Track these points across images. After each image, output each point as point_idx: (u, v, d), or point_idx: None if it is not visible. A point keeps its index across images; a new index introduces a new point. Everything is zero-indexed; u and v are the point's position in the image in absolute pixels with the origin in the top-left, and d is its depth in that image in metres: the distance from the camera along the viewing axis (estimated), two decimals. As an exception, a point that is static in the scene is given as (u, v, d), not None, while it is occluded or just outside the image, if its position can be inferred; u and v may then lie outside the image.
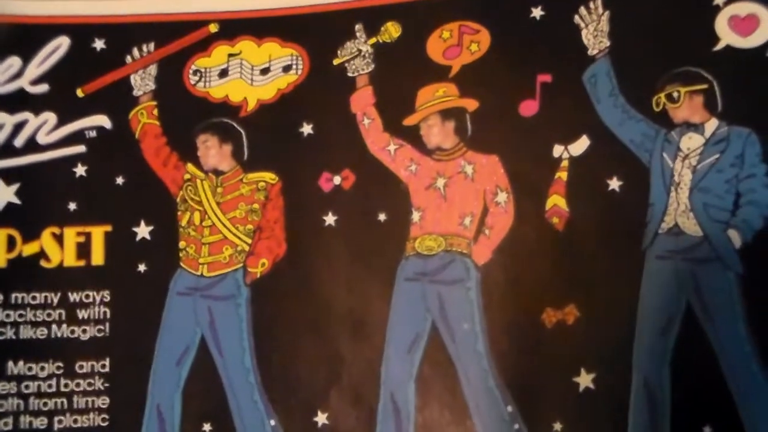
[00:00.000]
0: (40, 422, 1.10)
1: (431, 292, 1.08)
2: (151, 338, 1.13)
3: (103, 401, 1.10)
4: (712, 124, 1.05)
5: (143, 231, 1.15)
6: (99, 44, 1.19)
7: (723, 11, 1.10)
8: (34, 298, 1.13)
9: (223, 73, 1.19)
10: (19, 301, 1.13)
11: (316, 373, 1.10)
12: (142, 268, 1.15)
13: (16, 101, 1.18)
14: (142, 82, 1.17)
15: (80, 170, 1.17)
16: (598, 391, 1.04)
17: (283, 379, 1.11)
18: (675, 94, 1.06)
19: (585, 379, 1.03)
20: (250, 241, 1.12)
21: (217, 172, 1.16)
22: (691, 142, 1.05)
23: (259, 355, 1.13)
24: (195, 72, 1.20)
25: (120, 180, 1.17)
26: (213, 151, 1.17)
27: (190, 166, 1.17)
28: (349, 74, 1.18)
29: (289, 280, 1.14)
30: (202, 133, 1.18)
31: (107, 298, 1.14)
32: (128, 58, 1.20)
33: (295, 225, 1.15)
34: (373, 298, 1.10)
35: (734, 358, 1.01)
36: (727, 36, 1.08)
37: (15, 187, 1.16)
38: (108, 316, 1.14)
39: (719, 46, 1.09)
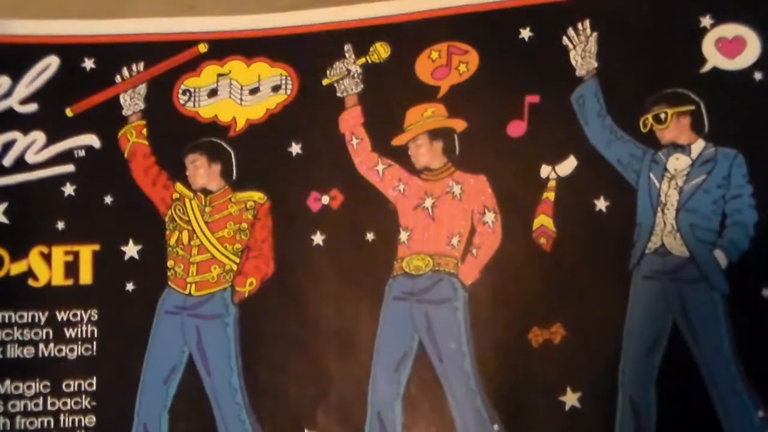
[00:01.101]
0: (27, 441, 1.07)
1: (419, 312, 1.08)
2: (139, 357, 1.13)
3: (89, 420, 1.10)
4: (698, 145, 1.06)
5: (131, 250, 1.15)
6: (88, 64, 1.19)
7: (710, 33, 1.11)
8: (21, 317, 1.13)
9: (213, 93, 1.20)
10: (7, 320, 1.13)
11: (304, 391, 1.10)
12: (130, 287, 1.14)
13: (5, 120, 1.18)
14: (132, 101, 1.17)
15: (69, 189, 1.17)
16: (585, 410, 1.04)
17: (270, 397, 1.10)
18: (662, 115, 1.06)
19: (571, 398, 1.04)
20: (238, 260, 1.12)
21: (206, 192, 1.16)
22: (678, 162, 1.05)
23: (247, 374, 1.12)
24: (184, 92, 1.20)
25: (108, 199, 1.17)
26: (202, 170, 1.17)
27: (178, 186, 1.17)
28: (338, 94, 1.18)
29: (278, 299, 1.13)
30: (191, 152, 1.18)
31: (95, 317, 1.14)
32: (118, 78, 1.20)
33: (284, 244, 1.15)
34: (361, 317, 1.10)
35: (720, 378, 1.01)
36: (714, 58, 1.09)
37: (3, 206, 1.16)
38: (95, 334, 1.13)
39: (706, 68, 1.10)
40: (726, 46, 1.08)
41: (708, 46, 1.10)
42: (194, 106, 1.20)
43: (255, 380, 1.11)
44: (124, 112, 1.19)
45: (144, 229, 1.17)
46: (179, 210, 1.14)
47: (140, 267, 1.16)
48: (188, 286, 1.13)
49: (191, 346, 1.12)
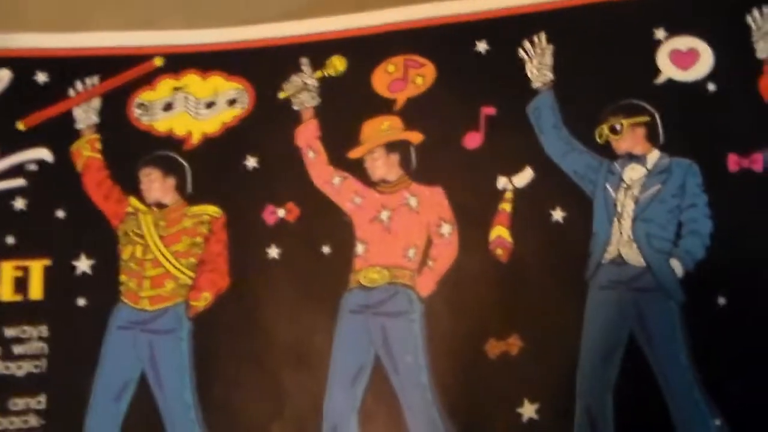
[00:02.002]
0: (-27, 461, 1.04)
1: (375, 325, 1.06)
2: (90, 374, 1.11)
3: (38, 439, 1.04)
4: (654, 156, 1.06)
5: (83, 265, 1.13)
6: (41, 77, 1.19)
7: (664, 45, 1.12)
8: (-32, 333, 1.06)
9: (168, 107, 1.19)
10: (-46, 336, 1.06)
11: (259, 406, 1.08)
12: (81, 302, 1.13)
13: (-44, 135, 1.12)
14: (85, 115, 1.16)
15: (20, 204, 1.16)
16: (542, 422, 1.03)
17: (224, 413, 1.09)
18: (618, 126, 1.06)
19: (528, 410, 1.03)
20: (192, 274, 1.11)
21: (160, 206, 1.15)
22: (634, 173, 1.05)
23: (201, 389, 1.10)
24: (139, 105, 1.20)
25: (60, 213, 1.16)
26: (156, 184, 1.16)
27: (132, 200, 1.16)
28: (295, 108, 1.18)
29: (232, 313, 1.12)
30: (145, 166, 1.17)
31: (45, 334, 1.12)
32: (71, 92, 1.19)
33: (239, 258, 1.14)
34: (317, 330, 1.09)
35: (677, 387, 1.01)
36: (668, 69, 1.09)
37: (-47, 220, 1.10)
38: (45, 351, 1.11)
39: (661, 79, 1.11)
40: (680, 58, 1.09)
41: (662, 58, 1.10)
42: (149, 119, 1.19)
43: (209, 396, 1.09)
44: (77, 126, 1.18)
45: (96, 244, 1.15)
46: (133, 224, 1.13)
47: (92, 282, 1.14)
48: (141, 300, 1.11)
49: (144, 362, 1.10)
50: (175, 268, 1.12)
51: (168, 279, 1.13)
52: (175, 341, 1.10)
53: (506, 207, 1.08)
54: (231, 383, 1.10)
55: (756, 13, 1.11)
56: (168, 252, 1.12)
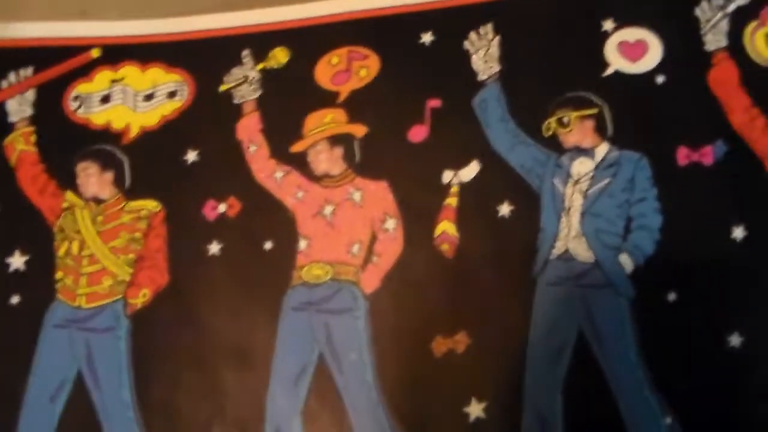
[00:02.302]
0: None
1: (318, 322, 1.04)
2: (24, 374, 1.07)
3: (-32, 442, 1.01)
4: (602, 149, 1.04)
5: (18, 261, 1.11)
6: (-27, 69, 1.11)
7: (612, 37, 1.11)
8: None
9: (106, 99, 1.16)
10: None
11: (199, 407, 1.05)
12: (15, 300, 1.10)
13: None
14: (19, 107, 1.13)
15: (-49, 200, 1.07)
16: (490, 421, 1.01)
17: (163, 414, 1.06)
18: (565, 119, 1.04)
19: (476, 409, 1.00)
20: (131, 271, 1.08)
21: (98, 200, 1.12)
22: (582, 166, 1.03)
23: (139, 389, 1.07)
24: (76, 98, 1.17)
25: (-7, 209, 1.07)
26: (93, 178, 1.13)
27: (69, 194, 1.12)
28: (236, 101, 1.15)
29: (172, 311, 1.09)
30: (82, 160, 1.14)
31: (-23, 333, 1.03)
32: (4, 83, 1.15)
33: (179, 254, 1.11)
34: (259, 328, 1.06)
35: (626, 385, 0.99)
36: (616, 61, 1.08)
37: None
38: (-23, 351, 1.03)
39: (609, 72, 1.10)
40: (628, 50, 1.08)
41: (610, 49, 1.09)
42: (86, 112, 1.16)
43: (147, 396, 1.06)
44: (10, 119, 1.15)
45: (31, 240, 1.12)
46: (69, 219, 1.09)
47: (27, 279, 1.11)
48: (78, 298, 1.08)
49: (80, 361, 1.07)
50: (113, 264, 1.09)
51: (106, 276, 1.10)
52: (112, 340, 1.07)
53: (452, 201, 1.06)
54: (170, 383, 1.07)
55: (704, 5, 1.11)
56: (106, 248, 1.09)
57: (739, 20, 1.10)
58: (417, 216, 1.08)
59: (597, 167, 1.04)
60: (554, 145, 1.08)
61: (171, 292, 1.11)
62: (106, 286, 1.10)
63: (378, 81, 1.14)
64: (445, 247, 1.04)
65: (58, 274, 1.11)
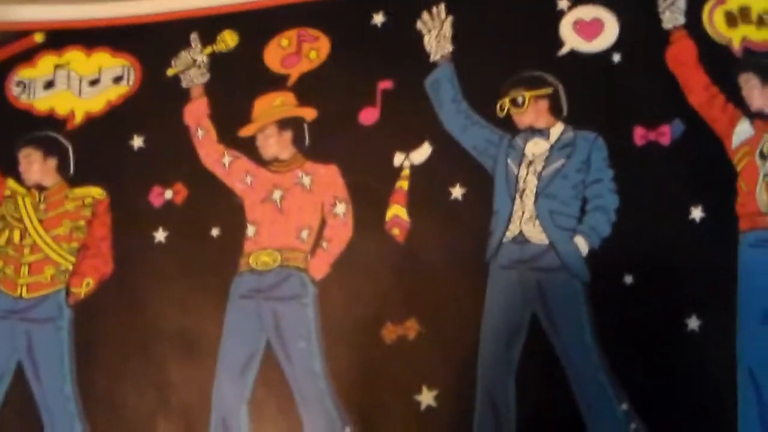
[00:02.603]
0: None
1: (266, 310, 1.01)
2: (-38, 367, 0.99)
3: None
4: (557, 129, 1.01)
5: (-44, 251, 1.02)
6: None
7: (567, 15, 1.08)
8: None
9: (49, 85, 1.13)
10: None
11: (143, 398, 1.02)
12: (-47, 290, 1.01)
13: None
14: (-41, 94, 1.07)
15: None
16: (441, 409, 0.98)
17: (107, 405, 1.03)
18: (519, 99, 1.02)
19: (427, 397, 0.97)
20: (74, 260, 1.05)
21: (40, 188, 1.09)
22: (536, 147, 1.01)
23: (82, 381, 1.05)
24: (18, 83, 1.14)
25: (-69, 197, 1.04)
26: (36, 165, 1.10)
27: (10, 182, 1.10)
28: (183, 85, 1.13)
29: (116, 300, 1.06)
30: (24, 147, 1.12)
31: None
32: (-58, 68, 1.08)
33: (123, 242, 1.08)
34: (206, 317, 1.03)
35: (581, 370, 0.96)
36: (571, 40, 1.06)
37: None
38: None
39: (564, 51, 1.07)
40: (584, 29, 1.05)
41: (565, 28, 1.07)
42: (29, 98, 1.14)
43: (90, 387, 1.03)
44: (-51, 105, 1.07)
45: (-29, 229, 1.03)
46: (10, 207, 1.06)
47: (-34, 269, 1.02)
48: (19, 288, 1.05)
49: (20, 353, 1.04)
50: (56, 253, 1.05)
51: (48, 265, 1.07)
52: (53, 330, 1.05)
53: (403, 185, 1.03)
54: (114, 374, 1.05)
55: (663, -18, 1.03)
56: (48, 236, 1.05)
57: (697, -2, 1.03)
58: (367, 200, 1.05)
59: (552, 148, 1.01)
60: (508, 125, 1.06)
61: (115, 280, 1.08)
62: (48, 276, 1.08)
63: (328, 63, 1.12)
64: (396, 232, 1.01)
65: (-1, 264, 1.03)
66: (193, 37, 1.15)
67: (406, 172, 1.05)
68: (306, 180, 1.04)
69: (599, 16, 1.08)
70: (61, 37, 1.17)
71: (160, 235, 1.08)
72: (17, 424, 1.04)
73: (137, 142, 1.12)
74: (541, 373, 0.98)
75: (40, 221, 1.08)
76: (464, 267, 1.02)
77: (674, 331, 0.97)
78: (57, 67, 1.15)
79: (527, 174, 1.00)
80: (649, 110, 1.04)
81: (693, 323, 0.97)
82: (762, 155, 0.97)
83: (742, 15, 1.03)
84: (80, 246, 1.08)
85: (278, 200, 1.04)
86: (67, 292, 1.08)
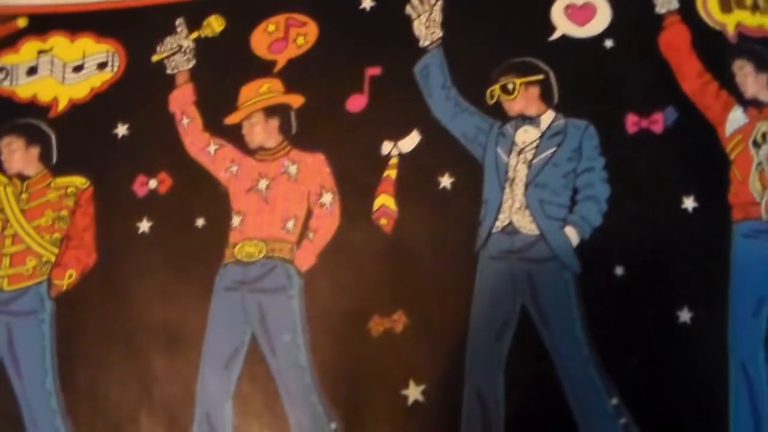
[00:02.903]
0: None
1: (251, 302, 0.99)
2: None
3: None
4: (548, 117, 0.99)
5: (-64, 242, 1.01)
6: None
7: (559, 0, 1.05)
8: None
9: (32, 71, 1.11)
10: None
11: (126, 392, 1.01)
12: (-67, 282, 1.00)
13: None
14: (-61, 80, 1.05)
15: None
16: (429, 404, 0.96)
17: (89, 399, 1.01)
18: (510, 86, 1.00)
19: (414, 392, 0.96)
20: (56, 251, 1.02)
21: (22, 177, 1.07)
22: (527, 135, 0.99)
23: (64, 374, 1.03)
24: (0, 69, 1.12)
25: None
26: (18, 154, 1.08)
27: (-9, 171, 1.03)
28: (168, 71, 1.11)
29: (99, 291, 1.04)
30: (6, 135, 1.10)
31: None
32: None
33: (107, 233, 1.06)
34: (190, 309, 1.02)
35: (571, 363, 0.94)
36: (563, 25, 1.05)
37: None
38: None
39: (555, 36, 1.05)
40: (576, 13, 1.04)
41: (557, 13, 1.05)
42: (11, 84, 1.12)
43: (72, 381, 1.01)
44: (-72, 92, 1.05)
45: (-49, 219, 1.02)
46: (-8, 197, 1.02)
47: (-54, 260, 1.01)
48: (0, 279, 0.99)
49: (1, 347, 1.00)
50: (38, 244, 1.04)
51: (30, 256, 1.05)
52: (35, 323, 1.03)
53: (391, 173, 1.02)
54: (96, 368, 1.03)
55: (656, -34, 1.02)
56: (30, 227, 1.04)
57: (691, -19, 1.02)
58: (355, 189, 1.03)
59: (542, 136, 1.00)
60: (498, 113, 1.04)
61: (98, 272, 1.06)
62: (30, 267, 1.06)
63: (316, 49, 1.10)
64: (384, 222, 0.99)
65: (-21, 255, 1.02)
66: (179, 22, 1.13)
67: (394, 160, 1.04)
68: (292, 169, 1.03)
69: (591, 0, 1.06)
70: (44, 22, 1.15)
71: (144, 226, 1.07)
72: (-2, 419, 0.98)
73: (121, 130, 1.10)
74: (530, 366, 0.97)
75: (22, 211, 1.06)
76: (453, 258, 1.00)
77: (665, 323, 0.95)
78: (40, 52, 1.14)
79: (517, 162, 0.99)
80: (641, 97, 1.02)
81: (685, 315, 0.95)
82: (755, 143, 0.95)
83: (737, 0, 0.99)
84: (63, 237, 1.07)
85: (264, 189, 1.03)
86: (49, 284, 1.06)
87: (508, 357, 0.97)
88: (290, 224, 1.01)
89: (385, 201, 1.01)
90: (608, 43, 1.05)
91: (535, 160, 1.00)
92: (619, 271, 0.97)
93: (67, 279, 1.05)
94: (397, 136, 1.05)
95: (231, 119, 1.09)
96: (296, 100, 1.07)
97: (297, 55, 1.10)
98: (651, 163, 1.00)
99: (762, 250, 0.96)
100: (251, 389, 1.00)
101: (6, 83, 1.12)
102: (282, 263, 1.02)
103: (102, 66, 1.13)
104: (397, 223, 1.02)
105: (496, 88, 1.04)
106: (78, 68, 1.13)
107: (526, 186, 1.00)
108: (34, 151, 1.10)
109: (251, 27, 1.12)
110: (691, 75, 1.02)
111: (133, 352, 1.03)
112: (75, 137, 1.11)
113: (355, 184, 1.04)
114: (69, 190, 1.07)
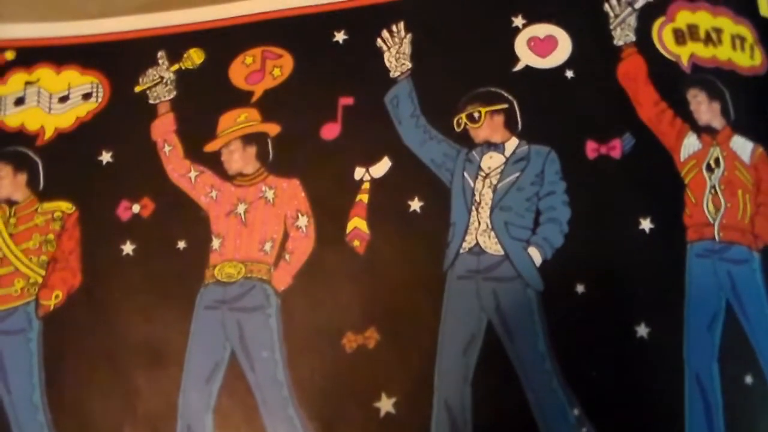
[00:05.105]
0: None
1: (230, 320, 1.04)
2: (-66, 377, 1.01)
3: None
4: (512, 143, 1.04)
5: (-73, 265, 1.05)
6: None
7: (522, 33, 1.12)
8: None
9: (20, 102, 1.15)
10: None
11: (111, 407, 1.04)
12: (-76, 303, 1.03)
13: None
14: (-69, 110, 1.10)
15: None
16: (400, 416, 1.00)
17: (75, 415, 1.05)
18: (476, 114, 1.04)
19: (386, 404, 1.00)
20: (43, 272, 1.06)
21: (11, 203, 1.11)
22: (492, 161, 1.04)
23: (51, 390, 1.06)
24: (-12, 100, 1.11)
25: None
26: (6, 181, 1.12)
27: (-19, 197, 1.08)
28: (151, 101, 1.15)
29: (84, 311, 1.08)
30: (-6, 162, 1.08)
31: None
32: None
33: (92, 255, 1.10)
34: (172, 327, 1.05)
35: (535, 376, 0.98)
36: (526, 56, 1.09)
37: None
38: None
39: (519, 67, 1.10)
40: (538, 45, 1.08)
41: (520, 45, 1.10)
42: (-1, 115, 1.10)
43: (59, 397, 1.05)
44: None
45: (-58, 243, 1.06)
46: (-19, 222, 1.06)
47: (-63, 283, 1.04)
48: (-11, 300, 1.04)
49: (-10, 364, 1.02)
50: (26, 266, 1.07)
51: (18, 278, 1.09)
52: (23, 342, 1.07)
53: (363, 198, 1.06)
54: (82, 384, 1.06)
55: (613, 1, 1.11)
56: (18, 250, 1.08)
57: (646, 16, 1.11)
58: (329, 213, 1.08)
59: (507, 161, 1.04)
60: (465, 140, 1.09)
61: (84, 292, 1.10)
62: (18, 288, 1.09)
63: (291, 80, 1.14)
64: (357, 244, 1.03)
65: (-30, 277, 1.06)
66: (161, 54, 1.17)
67: (366, 185, 1.08)
68: (269, 194, 1.07)
69: (553, 33, 1.11)
70: (31, 55, 1.19)
71: (128, 248, 1.10)
72: (-13, 434, 1.02)
73: (105, 157, 1.14)
74: (497, 380, 1.01)
75: (11, 235, 1.09)
76: (422, 277, 1.05)
77: (624, 338, 1.00)
78: (27, 84, 1.17)
79: (483, 187, 1.03)
80: (600, 125, 1.07)
81: (642, 330, 1.00)
82: (709, 168, 1.00)
83: (690, 33, 1.06)
84: (50, 259, 1.10)
85: (242, 213, 1.07)
86: (37, 304, 1.09)
87: (475, 370, 1.01)
88: (268, 246, 1.06)
89: (357, 224, 1.05)
90: (569, 74, 1.10)
91: (500, 185, 1.04)
92: (580, 289, 1.02)
93: (53, 299, 1.09)
94: (369, 162, 1.09)
95: (210, 147, 1.13)
96: (273, 129, 1.12)
97: (273, 86, 1.15)
98: (610, 186, 1.05)
99: (715, 269, 1.01)
100: (231, 403, 1.04)
101: (-5, 113, 1.13)
102: (260, 283, 1.06)
103: (87, 96, 1.17)
104: (370, 245, 1.06)
105: (463, 116, 1.08)
106: (64, 99, 1.17)
107: (492, 209, 1.04)
108: (22, 177, 1.13)
109: (229, 59, 1.17)
110: (648, 103, 1.06)
111: (117, 369, 1.06)
112: (61, 164, 1.15)
113: (329, 208, 1.08)
114: (56, 214, 1.11)
